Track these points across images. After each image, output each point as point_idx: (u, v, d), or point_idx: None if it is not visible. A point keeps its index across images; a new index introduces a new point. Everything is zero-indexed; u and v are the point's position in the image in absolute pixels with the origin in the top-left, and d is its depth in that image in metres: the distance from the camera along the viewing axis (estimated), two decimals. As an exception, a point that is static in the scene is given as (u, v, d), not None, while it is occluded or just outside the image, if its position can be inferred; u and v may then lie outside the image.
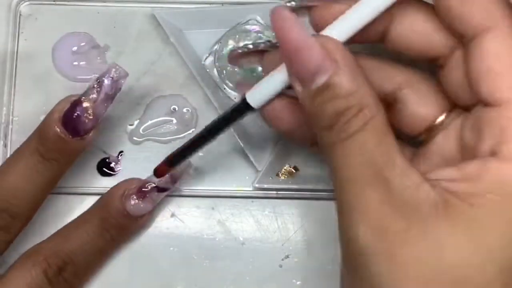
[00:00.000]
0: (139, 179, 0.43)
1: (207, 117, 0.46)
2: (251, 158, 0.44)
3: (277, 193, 0.45)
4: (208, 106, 0.46)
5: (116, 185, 0.43)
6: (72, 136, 0.39)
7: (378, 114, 0.29)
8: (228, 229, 0.44)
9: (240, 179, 0.45)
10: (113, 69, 0.39)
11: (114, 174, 0.45)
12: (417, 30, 0.32)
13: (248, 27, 0.46)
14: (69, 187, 0.45)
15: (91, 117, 0.39)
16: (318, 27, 0.32)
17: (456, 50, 0.31)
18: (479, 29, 0.29)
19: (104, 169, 0.45)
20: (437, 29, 0.31)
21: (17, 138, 0.45)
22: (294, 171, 0.45)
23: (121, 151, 0.46)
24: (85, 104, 0.39)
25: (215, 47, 0.46)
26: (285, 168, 0.45)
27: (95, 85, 0.39)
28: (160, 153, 0.45)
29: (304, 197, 0.45)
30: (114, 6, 0.48)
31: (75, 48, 0.47)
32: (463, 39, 0.30)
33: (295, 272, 0.44)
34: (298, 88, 0.30)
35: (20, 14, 0.48)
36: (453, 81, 0.31)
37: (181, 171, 0.43)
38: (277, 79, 0.33)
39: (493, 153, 0.28)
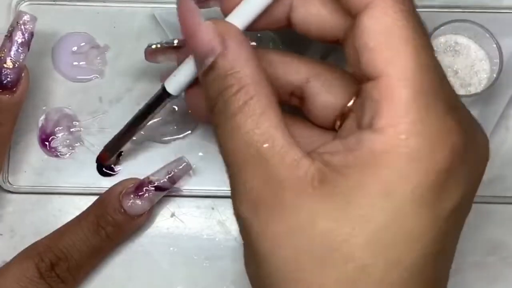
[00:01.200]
0: (138, 178, 0.43)
1: (207, 117, 0.46)
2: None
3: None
4: (208, 106, 0.46)
5: (115, 183, 0.43)
6: (2, 90, 0.40)
7: (259, 94, 0.30)
8: (228, 229, 0.44)
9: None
10: (20, 16, 0.40)
11: (113, 175, 0.45)
12: (314, 13, 0.32)
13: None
14: (69, 187, 0.45)
15: (11, 66, 0.40)
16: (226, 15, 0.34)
17: (349, 30, 0.32)
18: (360, 6, 0.29)
19: (103, 169, 0.45)
20: (332, 11, 0.32)
21: (18, 139, 0.45)
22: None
23: (121, 151, 0.46)
24: (1, 55, 0.40)
25: (215, 47, 0.46)
26: (284, 168, 0.45)
27: (7, 35, 0.40)
28: (159, 153, 0.45)
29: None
30: (114, 6, 0.48)
31: (75, 48, 0.47)
32: (350, 15, 0.31)
33: (295, 272, 0.44)
34: (198, 70, 0.32)
35: (20, 14, 0.48)
36: (350, 60, 0.32)
37: (181, 172, 0.43)
38: (189, 66, 0.35)
39: (368, 126, 0.29)
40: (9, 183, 0.45)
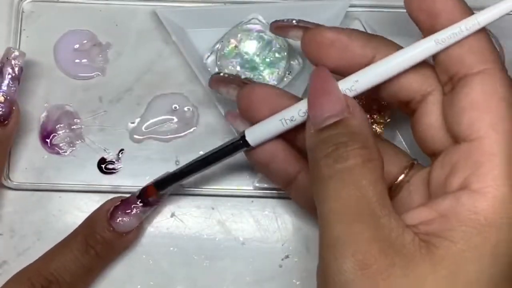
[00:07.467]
0: (125, 197, 0.42)
1: (208, 116, 0.46)
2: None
3: (277, 193, 0.45)
4: (209, 105, 0.46)
5: (103, 203, 0.42)
6: None
7: (378, 160, 0.31)
8: (228, 229, 0.44)
9: (240, 178, 0.45)
10: (10, 52, 0.42)
11: (114, 172, 0.45)
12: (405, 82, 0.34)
13: (250, 26, 0.46)
14: (70, 184, 0.45)
15: (2, 100, 0.41)
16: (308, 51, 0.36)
17: (429, 95, 0.33)
18: (472, 70, 0.31)
19: (104, 167, 0.45)
20: (412, 74, 0.34)
21: (19, 137, 0.45)
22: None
23: (122, 149, 0.46)
24: None
25: (217, 46, 0.46)
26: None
27: None
28: (160, 151, 0.45)
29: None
30: (116, 4, 0.48)
31: (77, 46, 0.47)
32: (452, 79, 0.32)
33: (295, 272, 0.44)
34: (308, 125, 0.32)
35: (23, 11, 0.48)
36: (425, 125, 0.33)
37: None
38: (278, 121, 0.35)
39: (464, 187, 0.30)
40: (10, 180, 0.45)
